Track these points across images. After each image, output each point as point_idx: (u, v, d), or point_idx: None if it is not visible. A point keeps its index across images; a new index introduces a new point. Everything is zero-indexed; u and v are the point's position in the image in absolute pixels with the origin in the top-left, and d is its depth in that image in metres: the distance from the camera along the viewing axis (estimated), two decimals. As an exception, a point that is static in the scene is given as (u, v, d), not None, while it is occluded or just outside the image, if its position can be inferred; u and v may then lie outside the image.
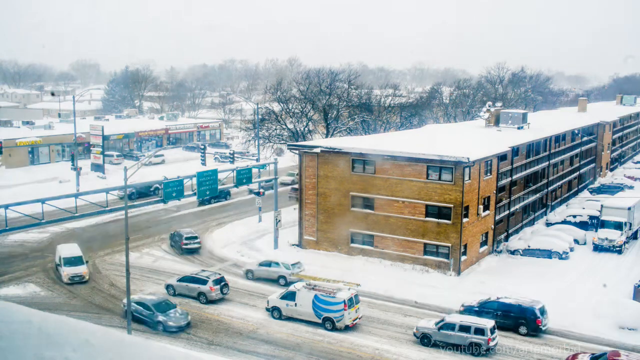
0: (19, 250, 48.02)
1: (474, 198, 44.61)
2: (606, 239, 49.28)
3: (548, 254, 47.43)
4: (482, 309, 34.72)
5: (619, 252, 48.67)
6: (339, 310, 33.39)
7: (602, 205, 52.95)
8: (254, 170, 53.62)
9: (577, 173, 72.05)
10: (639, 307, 35.39)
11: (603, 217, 51.28)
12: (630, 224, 51.08)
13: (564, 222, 55.93)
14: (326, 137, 74.86)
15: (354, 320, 33.91)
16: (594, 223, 54.18)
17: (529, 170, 55.69)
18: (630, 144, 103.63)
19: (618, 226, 49.83)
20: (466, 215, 43.67)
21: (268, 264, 42.90)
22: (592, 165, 78.34)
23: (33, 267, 44.11)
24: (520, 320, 33.87)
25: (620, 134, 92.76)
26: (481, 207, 45.84)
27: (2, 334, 2.25)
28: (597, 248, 49.48)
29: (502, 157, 49.17)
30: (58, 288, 40.22)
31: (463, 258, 43.85)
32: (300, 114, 78.88)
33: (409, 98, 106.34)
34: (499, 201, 49.47)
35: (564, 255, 47.34)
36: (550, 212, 61.55)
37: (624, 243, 49.66)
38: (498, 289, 39.79)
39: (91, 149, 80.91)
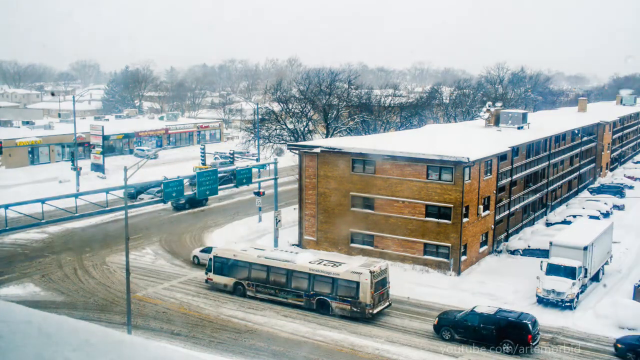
0: (19, 250, 48.04)
1: (474, 198, 44.61)
2: (553, 290, 36.96)
3: (548, 254, 47.30)
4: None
5: (570, 307, 36.71)
6: None
7: (550, 243, 40.86)
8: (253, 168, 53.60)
9: (577, 173, 72.06)
10: (639, 307, 35.38)
11: (552, 259, 39.18)
12: (587, 269, 39.05)
13: (564, 222, 55.90)
14: (326, 137, 74.86)
15: None
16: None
17: (529, 170, 55.69)
18: (630, 144, 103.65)
19: (570, 273, 37.69)
20: (466, 215, 43.67)
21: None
22: (592, 165, 78.34)
23: (33, 267, 44.11)
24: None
25: (620, 134, 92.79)
26: (481, 207, 45.83)
27: (2, 334, 2.25)
28: (542, 301, 37.42)
29: (502, 157, 49.17)
30: (58, 288, 40.24)
31: (463, 258, 43.85)
32: (300, 114, 78.91)
33: (409, 98, 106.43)
34: (499, 201, 49.46)
35: (564, 255, 46.99)
36: (550, 212, 61.55)
37: (578, 295, 37.47)
38: (498, 288, 39.85)
39: (91, 149, 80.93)
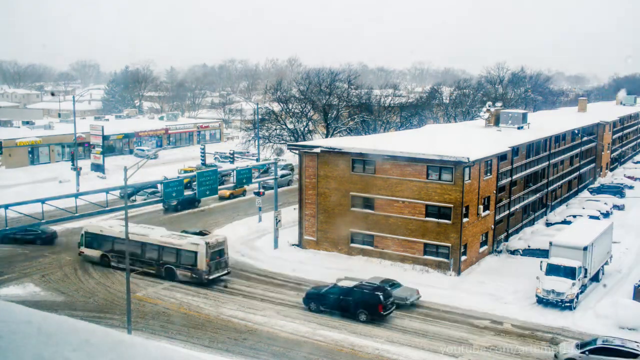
0: (19, 250, 48.02)
1: (474, 198, 44.61)
2: (552, 290, 36.92)
3: (548, 254, 47.31)
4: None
5: (570, 308, 36.74)
6: None
7: (550, 243, 40.71)
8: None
9: (577, 173, 72.07)
10: (639, 307, 35.38)
11: (551, 260, 39.09)
12: (586, 269, 38.97)
13: (564, 222, 55.92)
14: (326, 137, 74.91)
15: None
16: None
17: (529, 170, 55.70)
18: (630, 144, 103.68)
19: (570, 273, 37.62)
20: (466, 215, 43.68)
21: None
22: (592, 165, 78.36)
23: (33, 267, 44.11)
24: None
25: (620, 134, 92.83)
26: (481, 207, 45.84)
27: (2, 334, 2.25)
28: (542, 301, 37.41)
29: (502, 157, 49.17)
30: (58, 288, 40.24)
31: (463, 258, 43.86)
32: (300, 114, 78.97)
33: (409, 98, 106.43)
34: (499, 201, 49.46)
35: (564, 255, 46.96)
36: (550, 212, 61.56)
37: (577, 295, 37.32)
38: (498, 288, 39.87)
39: (91, 149, 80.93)
